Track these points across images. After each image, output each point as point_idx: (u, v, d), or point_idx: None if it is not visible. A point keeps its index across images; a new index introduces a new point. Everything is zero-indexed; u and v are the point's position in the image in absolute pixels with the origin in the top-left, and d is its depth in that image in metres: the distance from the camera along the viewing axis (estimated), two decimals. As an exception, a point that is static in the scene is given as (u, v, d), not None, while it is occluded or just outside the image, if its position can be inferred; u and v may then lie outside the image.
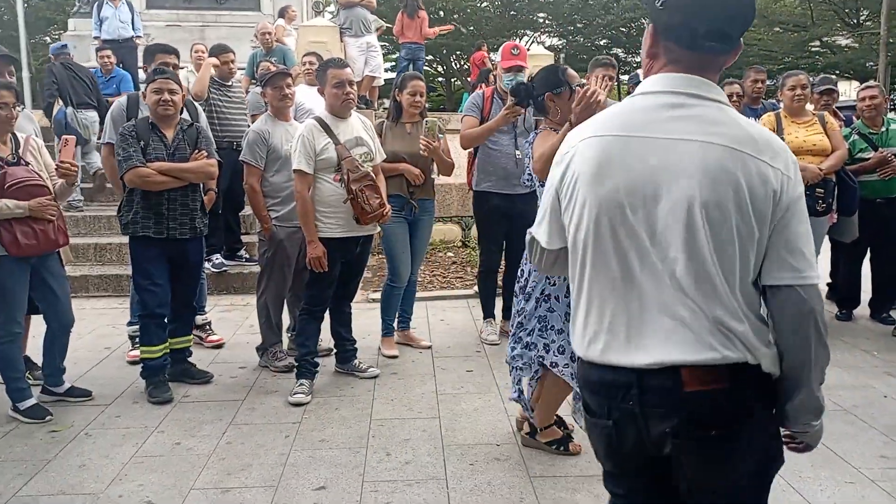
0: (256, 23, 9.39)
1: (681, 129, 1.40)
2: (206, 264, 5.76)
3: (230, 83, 5.94)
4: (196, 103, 4.90)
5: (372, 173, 3.88)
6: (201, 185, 3.98)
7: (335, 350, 4.27)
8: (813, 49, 20.72)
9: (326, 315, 4.07)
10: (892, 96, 17.66)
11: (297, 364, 3.95)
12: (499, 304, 4.95)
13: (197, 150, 3.86)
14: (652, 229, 1.40)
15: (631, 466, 1.56)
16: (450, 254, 7.49)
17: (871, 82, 5.54)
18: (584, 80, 3.14)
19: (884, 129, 5.05)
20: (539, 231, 1.64)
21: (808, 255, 1.39)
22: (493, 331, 4.85)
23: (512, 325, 3.14)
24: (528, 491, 2.84)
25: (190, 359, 4.17)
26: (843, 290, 5.30)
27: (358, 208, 3.76)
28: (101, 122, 7.13)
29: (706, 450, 1.42)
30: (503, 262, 4.95)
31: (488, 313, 4.92)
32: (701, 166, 1.36)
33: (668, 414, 1.40)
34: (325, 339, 4.27)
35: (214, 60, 5.82)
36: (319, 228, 3.79)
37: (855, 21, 19.33)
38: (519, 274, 3.11)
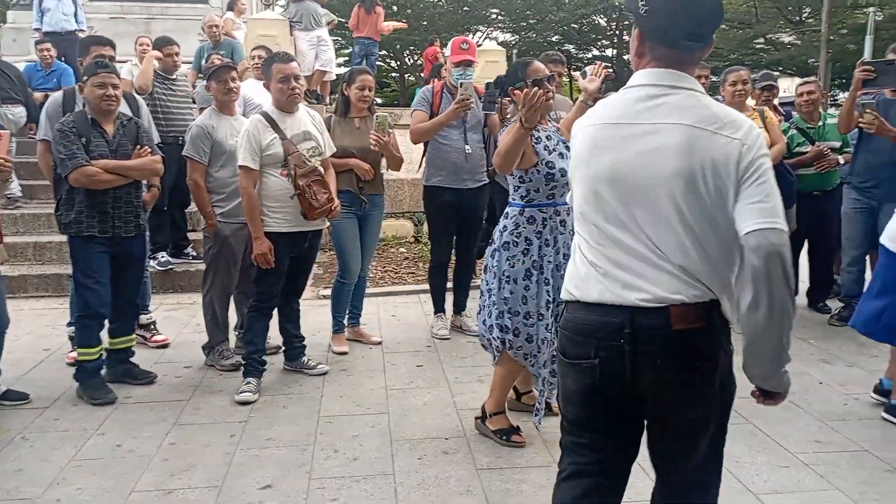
0: (204, 16, 9.20)
1: (658, 116, 1.65)
2: (152, 262, 5.65)
3: (174, 77, 5.82)
4: (138, 97, 4.78)
5: (320, 168, 3.85)
6: (143, 182, 3.89)
7: (283, 347, 4.23)
8: (757, 46, 21.26)
9: (275, 312, 4.02)
10: (832, 93, 18.24)
11: (244, 362, 3.90)
12: (450, 298, 4.96)
13: (139, 146, 3.77)
14: (633, 199, 1.65)
15: (601, 406, 1.73)
16: (402, 249, 7.48)
17: (809, 78, 5.72)
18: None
19: (821, 123, 5.20)
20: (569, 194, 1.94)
21: (770, 206, 1.57)
22: (443, 325, 4.86)
23: (481, 304, 3.23)
24: (476, 483, 2.86)
25: (133, 359, 4.07)
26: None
27: (305, 204, 3.73)
28: (30, 118, 6.95)
29: (685, 381, 1.65)
30: (454, 257, 4.97)
31: (439, 308, 4.92)
32: (672, 145, 1.61)
33: (657, 350, 1.63)
34: (274, 336, 4.22)
35: (157, 53, 5.69)
36: (266, 223, 3.74)
37: (797, 18, 19.91)
38: (487, 254, 3.22)
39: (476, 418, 3.35)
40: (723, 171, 1.58)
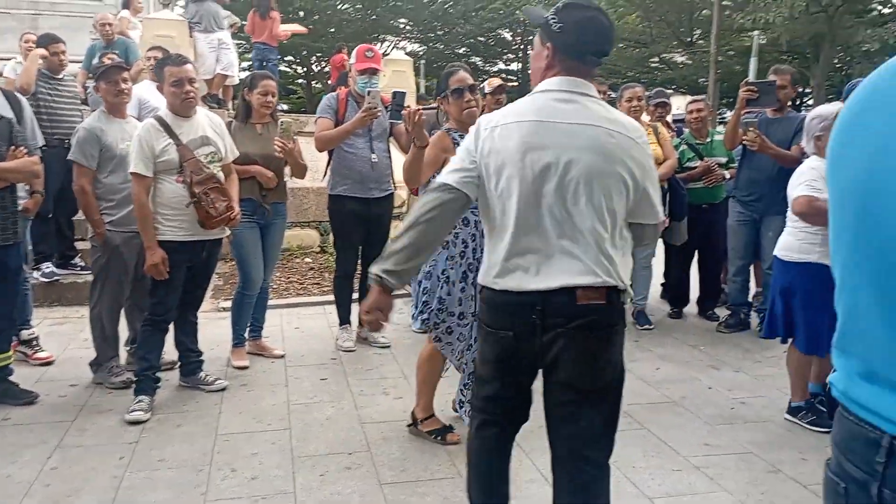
0: (97, 13, 8.76)
1: (576, 117, 1.90)
2: (35, 273, 5.30)
3: (61, 76, 5.50)
4: (21, 97, 4.49)
5: (220, 174, 3.72)
6: (20, 186, 3.64)
7: (179, 363, 4.04)
8: (652, 65, 22.28)
9: (171, 326, 3.84)
10: (720, 111, 19.33)
11: (135, 379, 3.70)
12: (355, 309, 4.89)
13: (14, 147, 3.52)
14: (560, 192, 1.88)
15: (510, 369, 2.03)
16: (307, 259, 7.34)
17: (699, 97, 6.02)
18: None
19: (709, 140, 5.49)
20: (443, 176, 2.01)
21: (657, 201, 2.02)
22: (349, 337, 4.78)
23: (415, 305, 3.25)
24: (379, 498, 2.81)
25: (12, 377, 3.79)
26: (675, 290, 5.71)
27: (202, 212, 3.59)
28: None
29: (588, 347, 1.91)
30: (360, 267, 4.91)
31: (344, 319, 4.85)
32: (593, 144, 1.88)
33: (564, 321, 1.89)
34: (169, 351, 4.03)
35: (42, 51, 5.35)
36: (161, 231, 3.57)
37: (689, 40, 20.97)
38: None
39: (408, 425, 3.41)
40: (633, 166, 1.91)
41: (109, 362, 4.00)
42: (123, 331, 4.16)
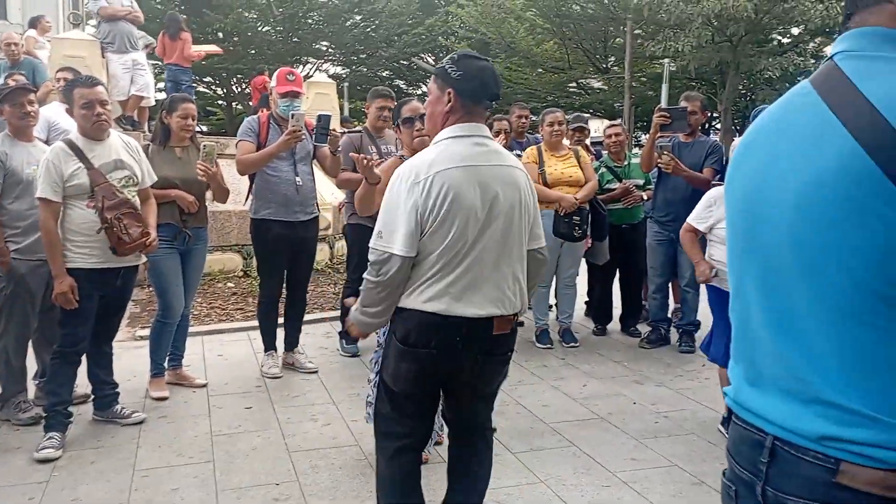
0: (2, 32, 8.36)
1: (493, 159, 2.16)
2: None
3: (-39, 97, 5.19)
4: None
5: (136, 199, 3.59)
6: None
7: (93, 396, 3.84)
8: (571, 90, 22.91)
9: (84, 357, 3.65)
10: (635, 134, 20.07)
11: (45, 415, 3.50)
12: (280, 334, 4.79)
13: None
14: (487, 227, 2.12)
15: (431, 383, 2.25)
16: (230, 284, 7.14)
17: (616, 121, 6.24)
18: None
19: (626, 162, 5.68)
20: (396, 246, 2.09)
21: (541, 228, 2.37)
22: (274, 364, 4.67)
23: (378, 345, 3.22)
24: (308, 529, 2.74)
25: None
26: (598, 308, 5.85)
27: (114, 238, 3.44)
28: None
29: (495, 367, 2.29)
30: (285, 291, 4.81)
31: (269, 345, 4.73)
32: (511, 181, 2.17)
33: (480, 347, 2.18)
34: (82, 383, 3.83)
35: (-60, 71, 5.06)
36: (70, 259, 3.40)
37: (605, 66, 21.73)
38: None
39: None
40: (528, 197, 2.24)
41: (16, 398, 3.77)
42: (31, 364, 3.93)
